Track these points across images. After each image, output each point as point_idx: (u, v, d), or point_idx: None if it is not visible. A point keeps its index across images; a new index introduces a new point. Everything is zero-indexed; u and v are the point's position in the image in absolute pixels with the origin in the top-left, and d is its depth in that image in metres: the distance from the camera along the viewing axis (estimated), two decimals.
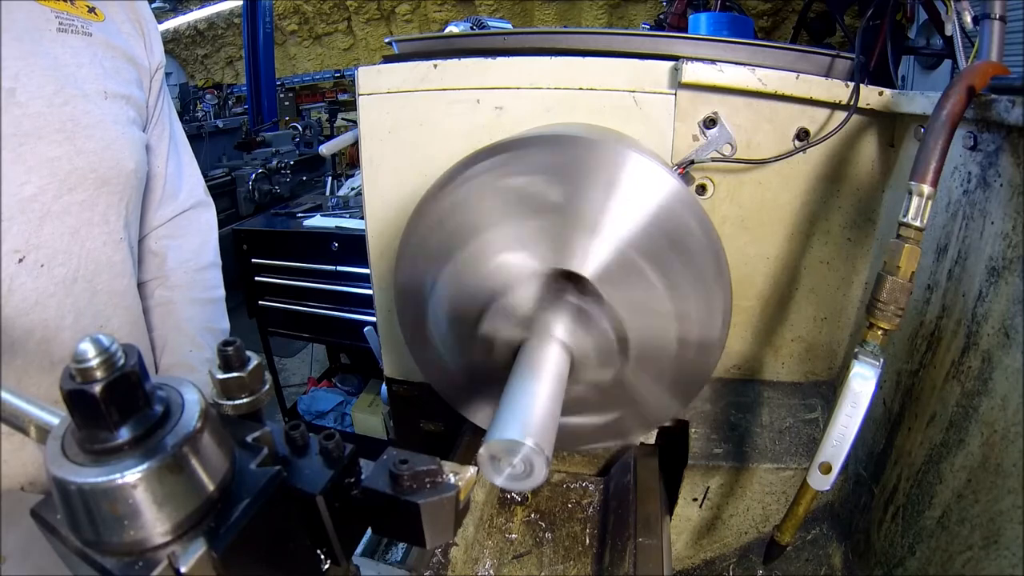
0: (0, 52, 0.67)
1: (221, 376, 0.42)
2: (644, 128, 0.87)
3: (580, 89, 0.86)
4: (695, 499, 1.00)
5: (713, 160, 0.87)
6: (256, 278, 2.87)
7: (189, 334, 0.96)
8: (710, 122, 0.86)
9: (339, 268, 2.69)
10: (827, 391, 1.02)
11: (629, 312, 0.65)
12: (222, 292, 1.06)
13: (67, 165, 0.73)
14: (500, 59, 0.87)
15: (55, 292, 0.75)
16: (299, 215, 2.98)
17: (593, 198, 0.62)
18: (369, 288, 1.32)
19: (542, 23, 5.81)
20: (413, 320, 0.77)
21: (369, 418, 2.99)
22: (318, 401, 3.28)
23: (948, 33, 1.17)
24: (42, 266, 0.73)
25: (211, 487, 0.32)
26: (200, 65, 8.16)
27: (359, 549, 1.05)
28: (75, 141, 0.74)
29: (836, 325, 1.00)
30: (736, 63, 0.83)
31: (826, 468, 0.69)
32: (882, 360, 0.66)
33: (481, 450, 0.48)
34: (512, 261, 0.65)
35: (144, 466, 0.29)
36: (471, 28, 1.17)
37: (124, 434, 0.29)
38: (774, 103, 0.85)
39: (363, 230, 1.04)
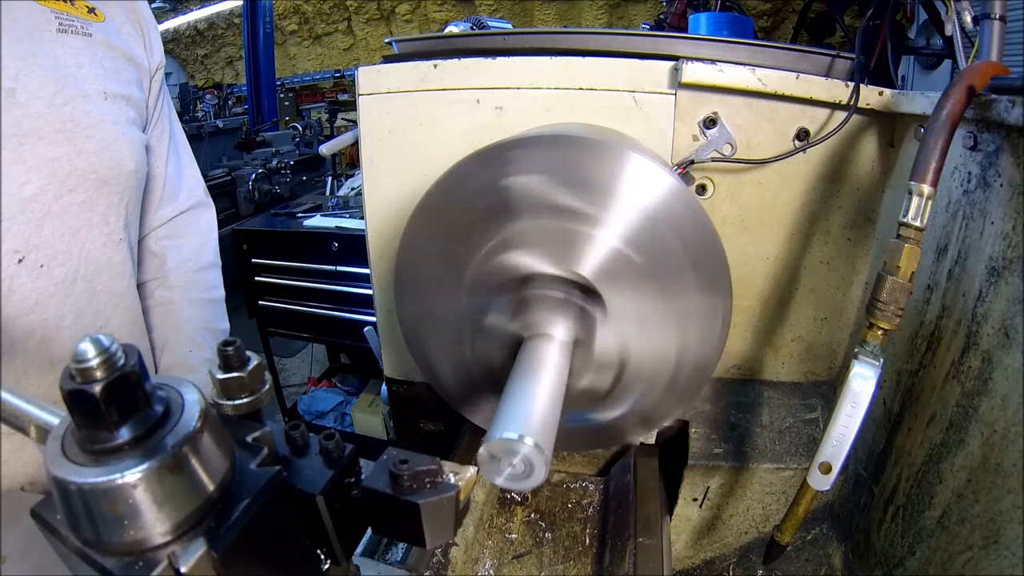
0: (0, 52, 0.67)
1: (221, 376, 0.42)
2: (644, 128, 0.87)
3: (580, 89, 0.86)
4: (695, 499, 1.00)
5: (713, 160, 0.87)
6: (256, 278, 2.87)
7: (189, 334, 0.96)
8: (710, 122, 0.86)
9: (339, 268, 2.69)
10: (827, 391, 1.02)
11: (629, 312, 0.65)
12: (222, 292, 1.06)
13: (67, 165, 0.73)
14: (500, 59, 0.87)
15: (55, 292, 0.75)
16: (299, 215, 2.98)
17: (593, 198, 0.62)
18: (369, 288, 1.32)
19: (542, 23, 5.81)
20: (413, 320, 0.77)
21: (369, 418, 2.99)
22: (318, 401, 3.28)
23: (948, 33, 1.17)
24: (42, 266, 0.73)
25: (211, 487, 0.32)
26: (200, 65, 8.16)
27: (359, 549, 1.04)
28: (75, 142, 0.74)
29: (836, 325, 1.00)
30: (736, 63, 0.83)
31: (826, 468, 0.69)
32: (882, 360, 0.66)
33: (481, 450, 0.48)
34: (512, 261, 0.66)
35: (144, 466, 0.29)
36: (471, 28, 1.17)
37: (124, 434, 0.29)
38: (774, 103, 0.85)
39: (363, 230, 1.04)
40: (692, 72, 0.82)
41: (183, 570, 0.30)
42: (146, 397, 0.31)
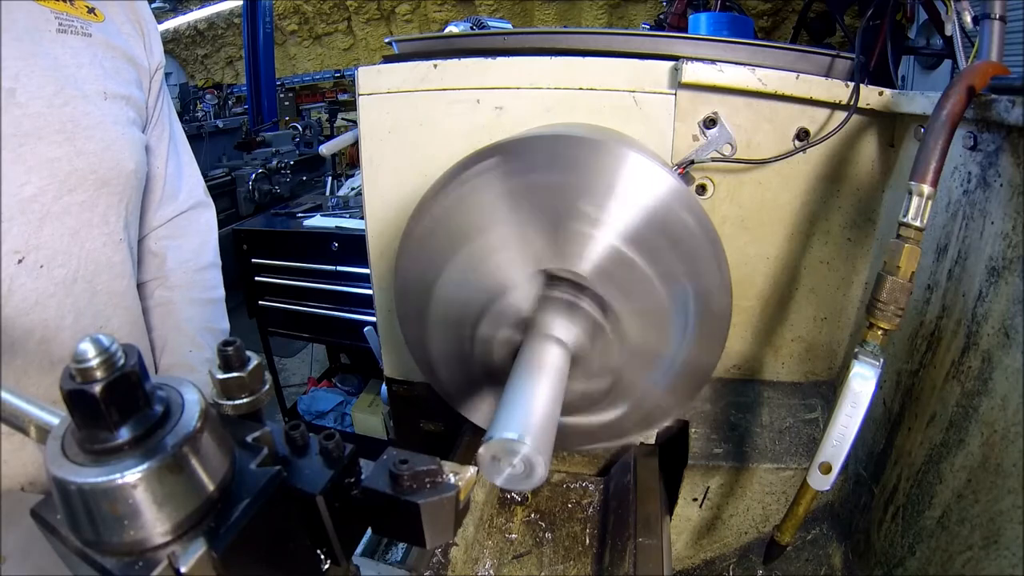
0: (0, 52, 0.67)
1: (221, 376, 0.42)
2: (644, 128, 0.87)
3: (580, 89, 0.86)
4: (695, 499, 1.00)
5: (713, 160, 0.87)
6: (256, 278, 2.87)
7: (189, 334, 0.96)
8: (710, 122, 0.86)
9: (339, 268, 2.69)
10: (827, 391, 1.02)
11: (628, 312, 0.65)
12: (222, 292, 1.06)
13: (67, 166, 0.73)
14: (500, 59, 0.87)
15: (55, 292, 0.75)
16: (299, 215, 2.98)
17: (593, 198, 0.62)
18: (369, 288, 1.32)
19: (542, 23, 5.81)
20: (413, 320, 0.77)
21: (369, 418, 2.99)
22: (318, 401, 3.28)
23: (948, 33, 1.17)
24: (42, 267, 0.73)
25: (211, 487, 0.32)
26: (200, 65, 8.16)
27: (359, 549, 1.04)
28: (75, 142, 0.74)
29: (836, 325, 1.00)
30: (736, 63, 0.83)
31: (826, 468, 0.69)
32: (882, 360, 0.66)
33: (481, 450, 0.48)
34: (512, 261, 0.65)
35: (144, 466, 0.29)
36: (471, 28, 1.17)
37: (124, 434, 0.29)
38: (774, 103, 0.85)
39: (363, 230, 1.04)
40: (692, 72, 0.82)
41: (183, 570, 0.30)
42: (146, 397, 0.31)
